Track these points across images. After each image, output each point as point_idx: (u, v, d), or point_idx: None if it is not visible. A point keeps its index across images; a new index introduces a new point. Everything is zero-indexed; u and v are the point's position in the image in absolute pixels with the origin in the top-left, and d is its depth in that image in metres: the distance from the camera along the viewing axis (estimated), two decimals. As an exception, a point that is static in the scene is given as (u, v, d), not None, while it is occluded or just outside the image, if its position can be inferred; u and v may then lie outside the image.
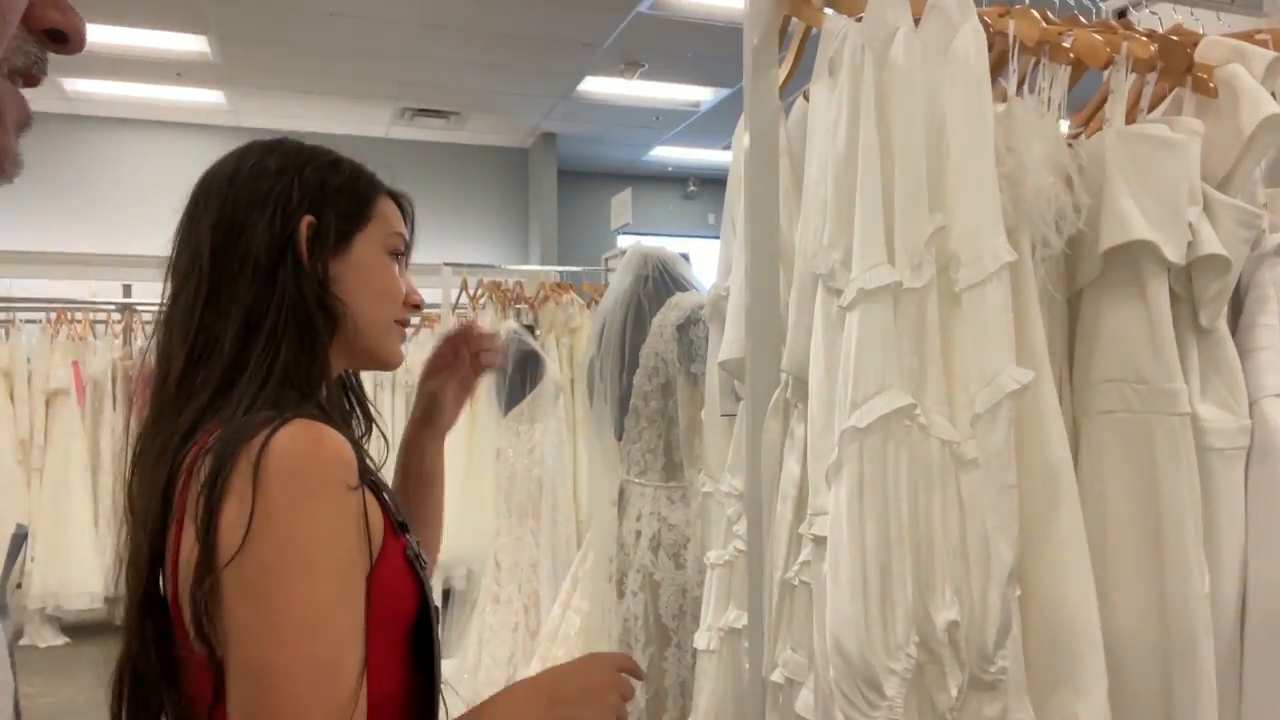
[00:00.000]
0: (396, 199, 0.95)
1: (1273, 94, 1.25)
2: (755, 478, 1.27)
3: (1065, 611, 1.08)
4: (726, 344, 1.38)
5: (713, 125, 7.95)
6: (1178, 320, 1.20)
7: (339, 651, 0.74)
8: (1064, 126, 1.32)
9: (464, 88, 7.01)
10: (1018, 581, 1.03)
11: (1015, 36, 1.19)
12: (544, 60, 6.43)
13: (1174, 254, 1.14)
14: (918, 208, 1.07)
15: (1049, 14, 1.37)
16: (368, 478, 0.83)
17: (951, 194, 1.09)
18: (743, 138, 1.44)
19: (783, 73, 1.37)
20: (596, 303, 4.38)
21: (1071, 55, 1.20)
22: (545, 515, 3.62)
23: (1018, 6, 1.29)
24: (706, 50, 6.23)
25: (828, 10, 1.26)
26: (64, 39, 0.48)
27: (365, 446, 0.93)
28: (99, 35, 5.62)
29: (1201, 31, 1.49)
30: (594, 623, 1.97)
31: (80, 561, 4.98)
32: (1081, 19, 1.36)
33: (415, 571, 0.87)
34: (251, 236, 0.84)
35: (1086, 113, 1.41)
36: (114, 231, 6.78)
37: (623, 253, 4.53)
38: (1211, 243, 1.17)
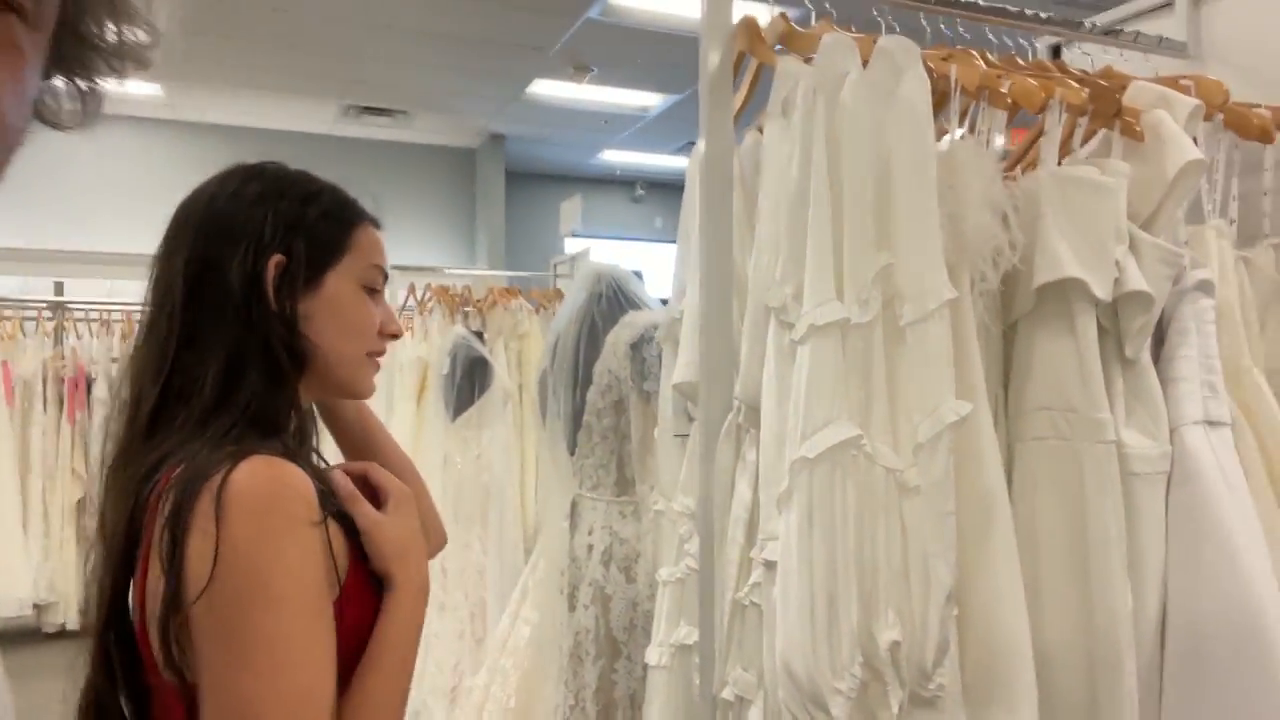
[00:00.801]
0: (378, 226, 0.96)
1: (1194, 138, 1.33)
2: (708, 499, 1.31)
3: (999, 631, 1.14)
4: (680, 367, 1.42)
5: (661, 129, 8.01)
6: (1104, 351, 1.27)
7: (312, 680, 0.76)
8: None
9: (411, 87, 6.95)
10: (955, 603, 1.08)
11: (957, 80, 1.25)
12: (493, 62, 6.41)
13: (1102, 291, 1.21)
14: (865, 245, 1.12)
15: (987, 54, 1.44)
16: (330, 506, 0.85)
17: (897, 232, 1.14)
18: (695, 167, 1.48)
19: (736, 103, 1.42)
20: (545, 308, 4.40)
21: (1009, 100, 1.27)
22: (492, 522, 3.63)
23: (959, 49, 1.35)
24: (656, 56, 6.28)
25: (778, 50, 1.31)
26: None
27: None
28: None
29: (1129, 72, 1.58)
30: (545, 634, 2.00)
31: (8, 567, 4.84)
32: (1019, 60, 1.43)
33: (378, 589, 0.89)
34: (224, 275, 0.85)
35: (1018, 152, 1.48)
36: (46, 226, 6.59)
37: (571, 259, 4.56)
38: (1137, 280, 1.24)
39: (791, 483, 1.06)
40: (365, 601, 0.88)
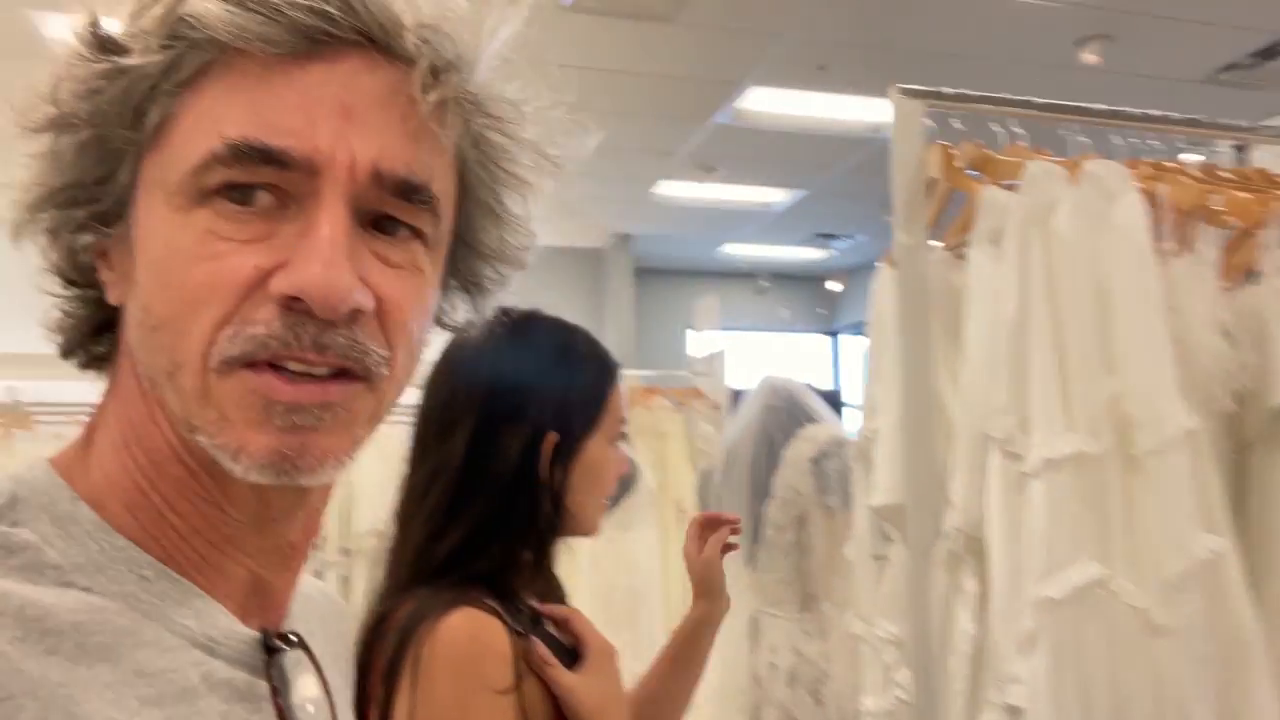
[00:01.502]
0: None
1: None
2: (923, 629, 1.28)
3: (1267, 783, 1.06)
4: (882, 490, 1.41)
5: (785, 223, 8.09)
6: (1351, 473, 1.20)
7: None
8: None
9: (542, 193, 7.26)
10: (1221, 755, 1.02)
11: (1169, 201, 1.23)
12: (622, 167, 6.66)
13: (1349, 412, 1.15)
14: (1093, 373, 1.10)
15: (1185, 167, 1.41)
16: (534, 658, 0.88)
17: (1123, 356, 1.12)
18: (887, 287, 1.49)
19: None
20: (684, 405, 4.44)
21: (1226, 218, 1.24)
22: (642, 626, 3.61)
23: (1166, 165, 1.34)
24: (780, 154, 6.39)
25: (976, 178, 1.33)
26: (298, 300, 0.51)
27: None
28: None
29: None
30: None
31: None
32: (1222, 173, 1.40)
33: None
34: (500, 453, 0.90)
35: (1229, 265, 1.43)
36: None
37: (710, 358, 4.60)
38: (1383, 398, 1.17)
39: (1037, 624, 1.02)
40: None
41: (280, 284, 0.43)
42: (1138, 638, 1.03)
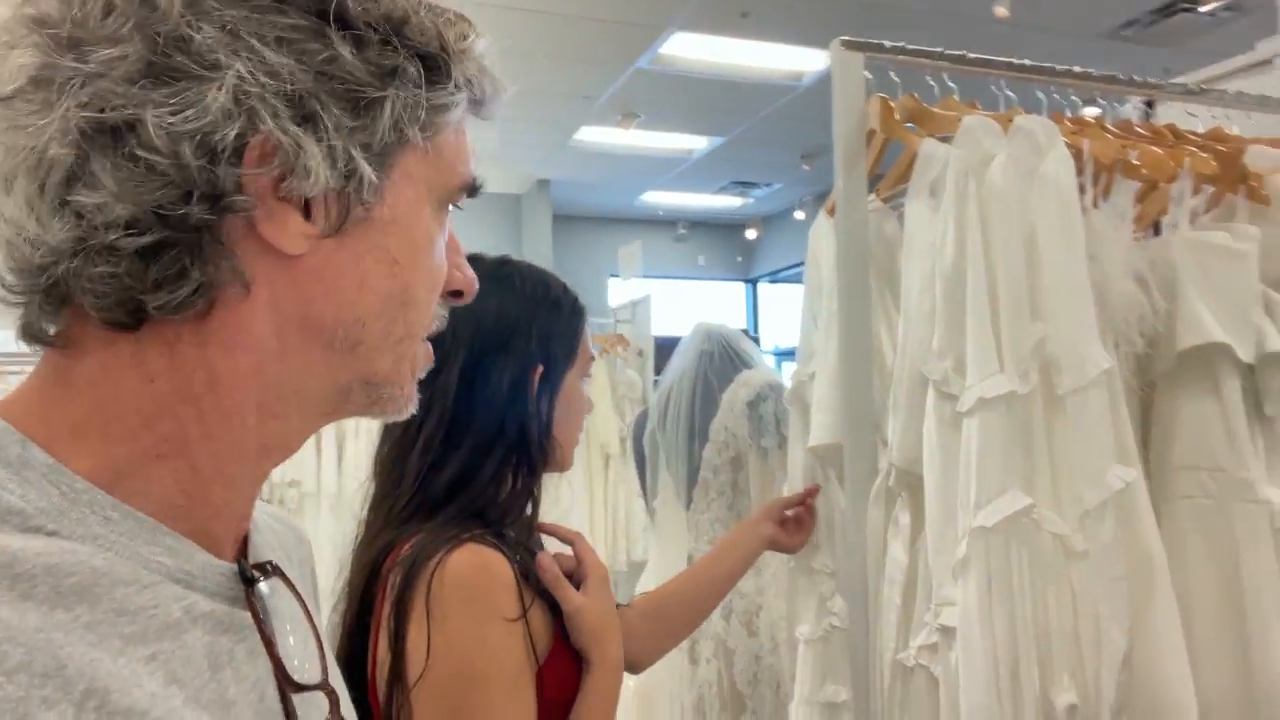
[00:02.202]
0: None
1: (1318, 200, 1.38)
2: (859, 560, 1.36)
3: (1166, 691, 1.17)
4: (817, 429, 1.47)
5: (704, 171, 8.13)
6: (1244, 409, 1.31)
7: None
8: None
9: (461, 138, 7.12)
10: (1129, 665, 1.12)
11: (1090, 155, 1.30)
12: (542, 111, 6.56)
13: (1245, 354, 1.25)
14: (1021, 319, 1.17)
15: (1105, 123, 1.49)
16: (535, 584, 0.93)
17: (1048, 304, 1.20)
18: (823, 237, 1.54)
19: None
20: (607, 353, 4.47)
21: (1142, 171, 1.32)
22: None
23: (1088, 121, 1.41)
24: (701, 101, 6.40)
25: (915, 131, 1.37)
26: (459, 294, 0.58)
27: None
28: None
29: (1233, 129, 1.62)
30: (653, 686, 2.04)
31: None
32: (1138, 129, 1.49)
33: (579, 663, 0.97)
34: (493, 382, 0.93)
35: (1140, 214, 1.52)
36: None
37: (634, 304, 4.63)
38: (1275, 341, 1.28)
39: (969, 551, 1.10)
40: (565, 674, 0.95)
41: (459, 280, 0.58)
42: (1058, 561, 1.12)
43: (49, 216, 0.43)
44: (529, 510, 1.00)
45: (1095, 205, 1.32)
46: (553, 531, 1.02)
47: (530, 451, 0.94)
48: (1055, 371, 1.18)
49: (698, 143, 7.43)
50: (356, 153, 0.47)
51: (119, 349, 0.46)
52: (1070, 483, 1.15)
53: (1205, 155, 1.36)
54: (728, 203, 9.21)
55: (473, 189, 0.57)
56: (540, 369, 0.96)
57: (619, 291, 5.13)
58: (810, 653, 1.52)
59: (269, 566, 0.53)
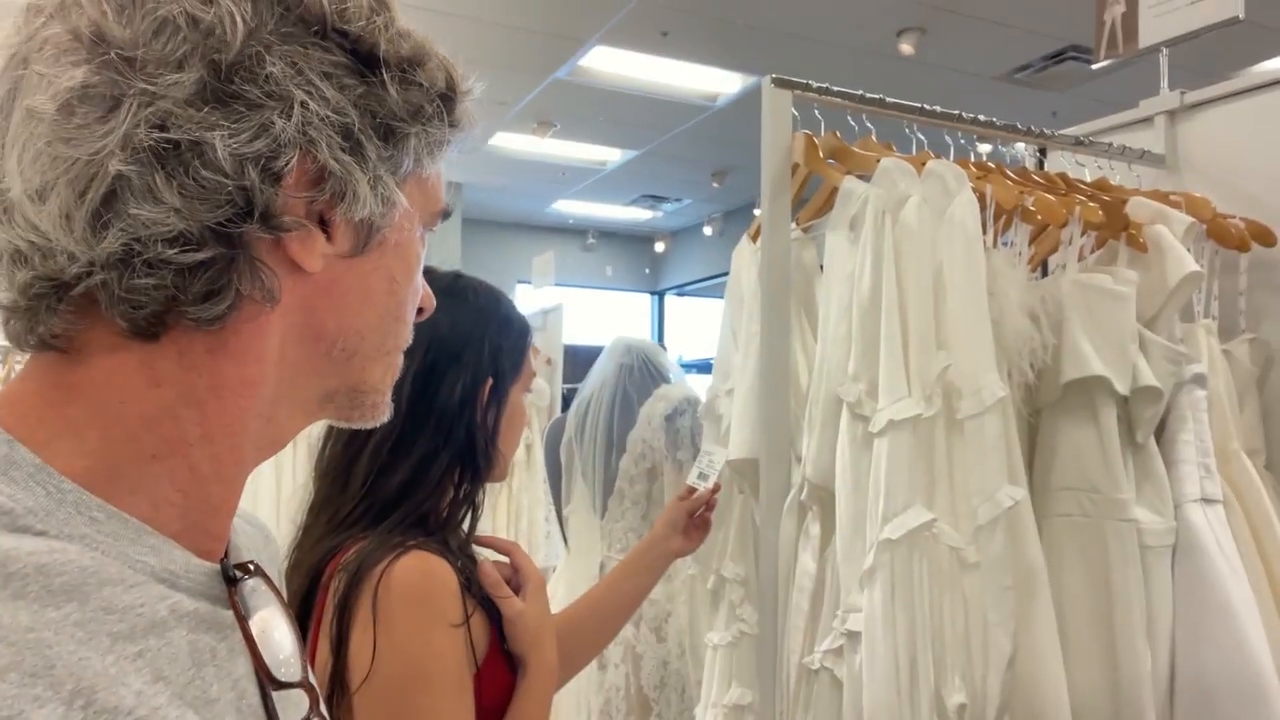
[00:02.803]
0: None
1: (1188, 250, 1.53)
2: (770, 569, 1.43)
3: (1044, 691, 1.28)
4: (735, 444, 1.55)
5: (616, 182, 8.22)
6: (1119, 437, 1.44)
7: None
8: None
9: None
10: (1014, 668, 1.22)
11: (993, 199, 1.42)
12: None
13: (1122, 387, 1.38)
14: (929, 347, 1.27)
15: (1004, 168, 1.62)
16: (476, 591, 0.97)
17: (952, 335, 1.30)
18: (745, 260, 1.63)
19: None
20: (517, 360, 4.49)
21: (1037, 216, 1.44)
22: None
23: (990, 167, 1.53)
24: (616, 113, 6.49)
25: (835, 166, 1.47)
26: (420, 311, 0.63)
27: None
28: None
29: (1108, 178, 1.78)
30: (574, 693, 2.08)
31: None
32: (1036, 177, 1.62)
33: (513, 667, 1.00)
34: (445, 392, 0.96)
35: (1032, 255, 1.66)
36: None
37: (545, 313, 4.66)
38: (1148, 376, 1.41)
39: (876, 561, 1.19)
40: (499, 678, 0.99)
41: (423, 299, 0.61)
42: (954, 571, 1.22)
43: (87, 228, 0.45)
44: (469, 518, 1.03)
45: (995, 245, 1.43)
46: (489, 543, 1.06)
47: (476, 461, 0.98)
48: (956, 397, 1.28)
49: (611, 155, 7.51)
50: (391, 183, 0.52)
51: (128, 354, 0.47)
52: (966, 499, 1.25)
53: (1093, 205, 1.49)
54: (638, 215, 9.33)
55: (446, 213, 0.62)
56: (490, 381, 1.00)
57: (529, 299, 5.15)
58: (719, 657, 1.59)
59: (251, 566, 0.54)
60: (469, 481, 0.99)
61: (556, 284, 5.14)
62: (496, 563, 1.03)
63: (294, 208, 0.48)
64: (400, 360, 0.60)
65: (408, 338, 0.60)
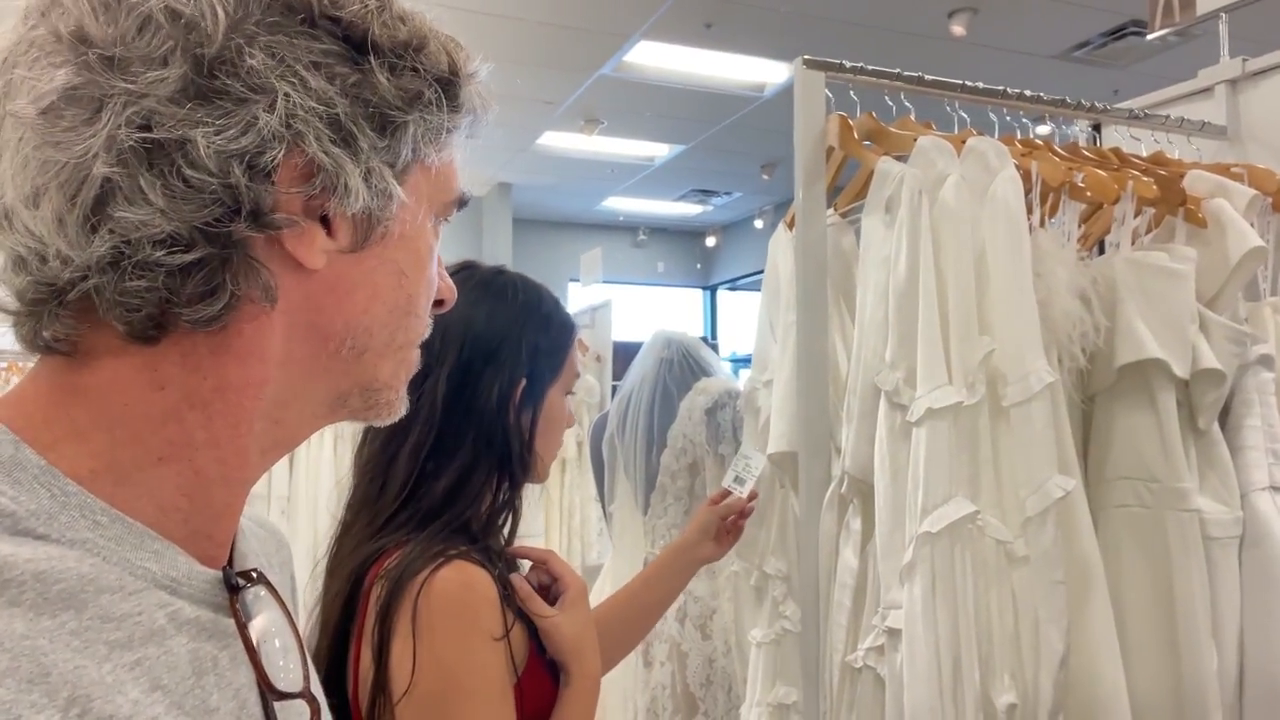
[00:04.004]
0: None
1: (1251, 224, 1.45)
2: (810, 565, 1.39)
3: (1100, 691, 1.22)
4: (774, 437, 1.50)
5: (665, 178, 8.18)
6: (1179, 422, 1.37)
7: None
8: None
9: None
10: (1066, 666, 1.17)
11: (1039, 176, 1.36)
12: (505, 115, 6.56)
13: (1181, 370, 1.31)
14: (970, 332, 1.22)
15: (1053, 145, 1.55)
16: (514, 604, 0.95)
17: (996, 319, 1.24)
18: (782, 249, 1.58)
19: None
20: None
21: (1087, 194, 1.37)
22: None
23: (1037, 143, 1.47)
24: (663, 109, 6.45)
25: (872, 148, 1.42)
26: (441, 303, 0.60)
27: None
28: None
29: (1174, 153, 1.70)
30: (620, 690, 2.06)
31: None
32: (1086, 153, 1.55)
33: (554, 676, 0.98)
34: (480, 393, 0.94)
35: (1085, 234, 1.58)
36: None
37: (593, 310, 4.65)
38: (1209, 358, 1.34)
39: (915, 555, 1.14)
40: (541, 687, 0.97)
41: (442, 290, 0.59)
42: (1001, 566, 1.17)
43: (79, 232, 0.44)
44: (509, 522, 1.01)
45: (1043, 225, 1.37)
46: (524, 553, 1.03)
47: (512, 463, 0.96)
48: (1001, 384, 1.23)
49: (659, 150, 7.48)
50: (387, 174, 0.49)
51: (131, 357, 0.47)
52: (1013, 491, 1.20)
53: (1147, 179, 1.42)
54: (688, 210, 9.28)
55: (462, 202, 0.59)
56: (524, 382, 0.97)
57: (579, 296, 5.15)
58: (762, 655, 1.55)
59: (254, 574, 0.53)
60: (508, 486, 0.97)
61: (607, 281, 5.14)
62: (534, 569, 1.01)
63: (288, 204, 0.47)
64: (415, 355, 0.58)
65: (422, 331, 0.57)
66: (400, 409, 0.57)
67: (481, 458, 0.95)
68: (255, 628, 0.52)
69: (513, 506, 1.01)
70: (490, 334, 0.97)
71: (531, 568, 1.02)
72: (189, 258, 0.44)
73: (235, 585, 0.51)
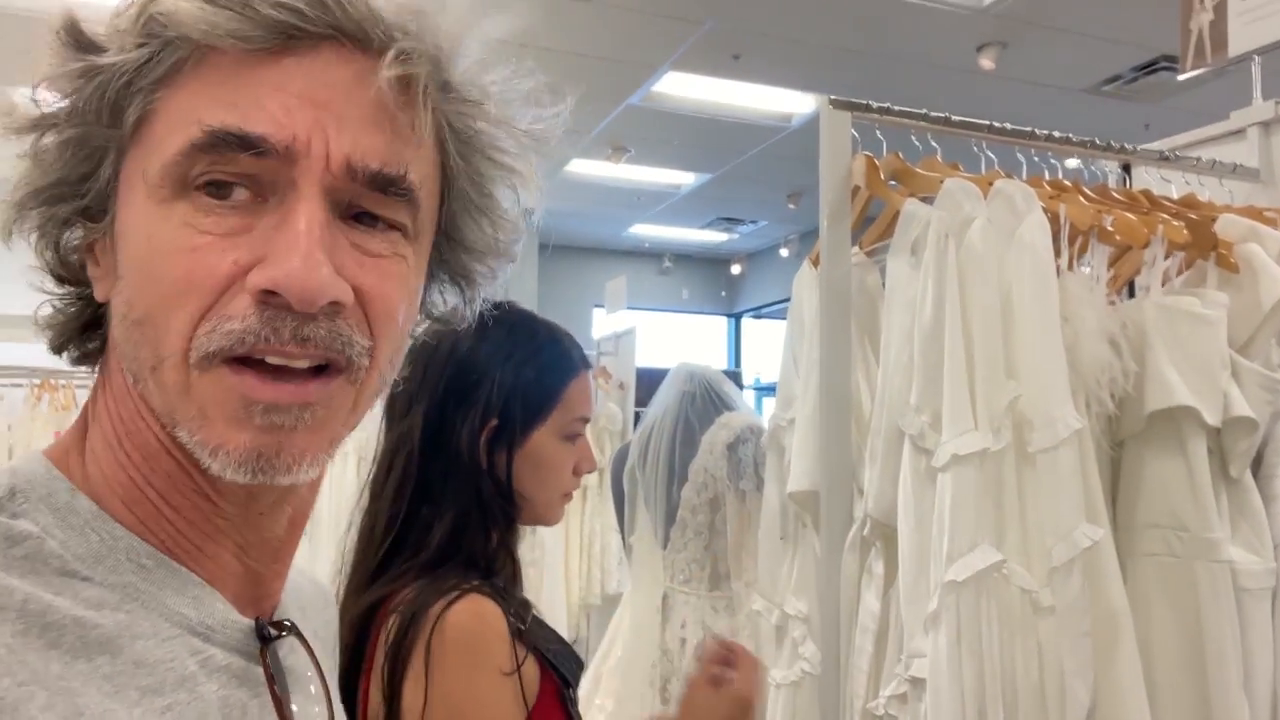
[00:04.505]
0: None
1: (1285, 270, 1.42)
2: (831, 607, 1.37)
3: (1129, 745, 1.19)
4: (795, 475, 1.49)
5: (691, 205, 8.20)
6: (1210, 470, 1.34)
7: None
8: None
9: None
10: (1093, 720, 1.14)
11: (1067, 219, 1.35)
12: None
13: (1212, 418, 1.29)
14: (996, 377, 1.20)
15: (1081, 187, 1.54)
16: (527, 639, 0.94)
17: (1022, 363, 1.23)
18: (807, 285, 1.58)
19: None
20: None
21: (1117, 237, 1.36)
22: (544, 600, 3.67)
23: (1065, 185, 1.46)
24: (689, 138, 6.48)
25: (896, 189, 1.42)
26: None
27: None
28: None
29: (1205, 195, 1.68)
30: (633, 726, 2.04)
31: None
32: (1116, 195, 1.53)
33: (567, 711, 0.97)
34: (456, 435, 0.94)
35: (1114, 276, 1.57)
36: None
37: (617, 337, 4.66)
38: (1241, 405, 1.32)
39: (940, 604, 1.12)
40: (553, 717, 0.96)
41: (257, 278, 0.44)
42: (1026, 616, 1.15)
43: None
44: (509, 565, 1.00)
45: (1070, 268, 1.36)
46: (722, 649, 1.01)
47: (488, 506, 0.94)
48: (1028, 430, 1.21)
49: (685, 178, 7.50)
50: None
51: None
52: (1039, 539, 1.18)
53: (1178, 223, 1.40)
54: (713, 238, 9.29)
55: (219, 139, 0.47)
56: (493, 423, 0.95)
57: (603, 323, 5.16)
58: (781, 696, 1.53)
59: (287, 624, 0.54)
60: (496, 529, 0.96)
61: (633, 308, 5.14)
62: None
63: None
64: (177, 376, 0.48)
65: (171, 346, 0.47)
66: (219, 458, 0.48)
67: (471, 504, 0.93)
68: (286, 678, 0.52)
69: (507, 548, 0.99)
70: (466, 372, 0.95)
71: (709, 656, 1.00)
72: None
73: (267, 635, 0.51)
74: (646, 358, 4.73)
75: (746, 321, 10.43)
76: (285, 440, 0.45)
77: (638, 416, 4.07)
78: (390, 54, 0.46)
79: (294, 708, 0.52)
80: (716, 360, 9.49)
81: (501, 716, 0.88)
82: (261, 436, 0.45)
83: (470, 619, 0.88)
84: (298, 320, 0.44)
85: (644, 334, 4.55)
